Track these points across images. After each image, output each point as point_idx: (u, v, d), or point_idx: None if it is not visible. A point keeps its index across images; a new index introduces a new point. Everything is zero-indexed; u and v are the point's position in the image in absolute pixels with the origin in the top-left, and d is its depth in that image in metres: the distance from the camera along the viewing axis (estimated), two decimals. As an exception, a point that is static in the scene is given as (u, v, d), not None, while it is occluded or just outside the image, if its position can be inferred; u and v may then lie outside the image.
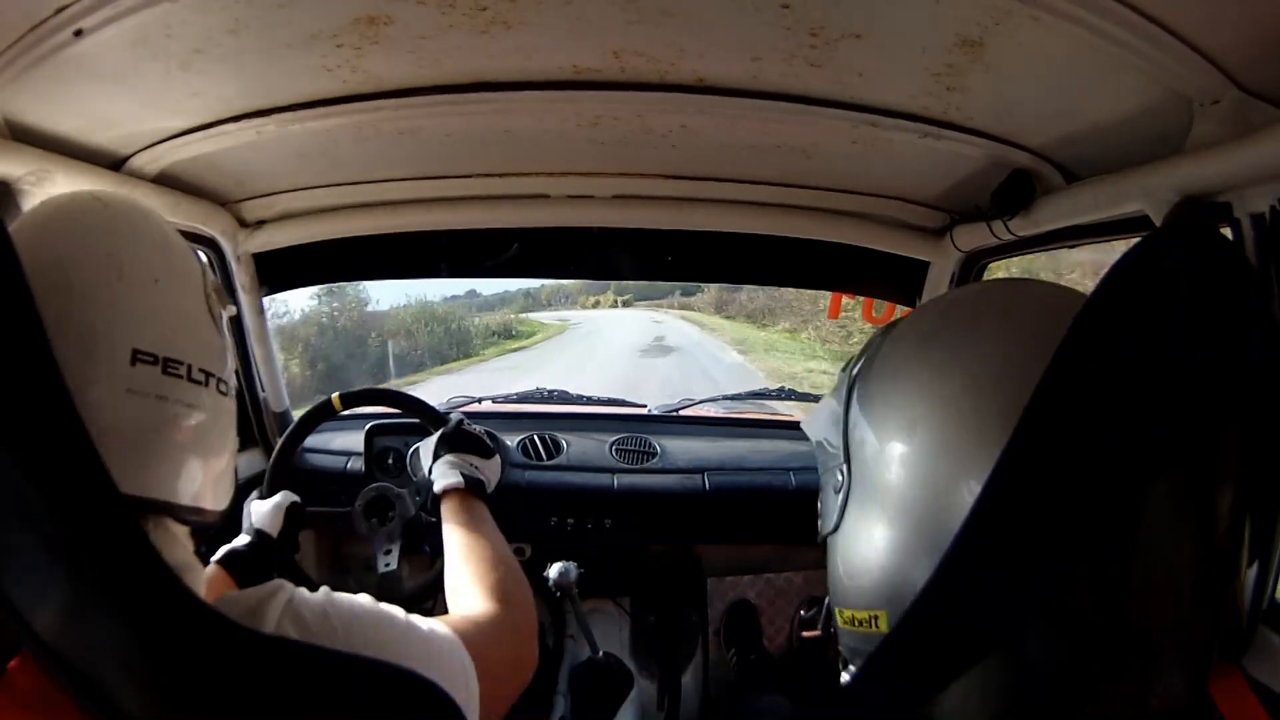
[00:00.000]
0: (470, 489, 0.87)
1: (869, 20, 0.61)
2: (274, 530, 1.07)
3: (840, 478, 0.52)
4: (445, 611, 0.63)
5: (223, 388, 0.54)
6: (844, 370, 0.57)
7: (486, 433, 1.02)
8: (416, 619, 0.54)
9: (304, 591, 0.50)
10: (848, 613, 0.52)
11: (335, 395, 1.23)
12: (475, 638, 0.57)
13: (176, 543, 0.51)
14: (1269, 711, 0.45)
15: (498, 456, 0.99)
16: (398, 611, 0.53)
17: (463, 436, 0.98)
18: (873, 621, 0.49)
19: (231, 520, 0.57)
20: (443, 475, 0.90)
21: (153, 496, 0.48)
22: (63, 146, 0.79)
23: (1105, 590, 0.42)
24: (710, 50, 0.70)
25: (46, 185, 0.75)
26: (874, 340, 0.56)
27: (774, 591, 1.50)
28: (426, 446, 1.00)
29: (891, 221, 1.22)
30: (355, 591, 0.52)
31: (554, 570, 1.23)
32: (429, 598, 1.18)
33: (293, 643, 0.45)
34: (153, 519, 0.49)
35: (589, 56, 0.72)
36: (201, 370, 0.51)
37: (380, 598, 0.61)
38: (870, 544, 0.49)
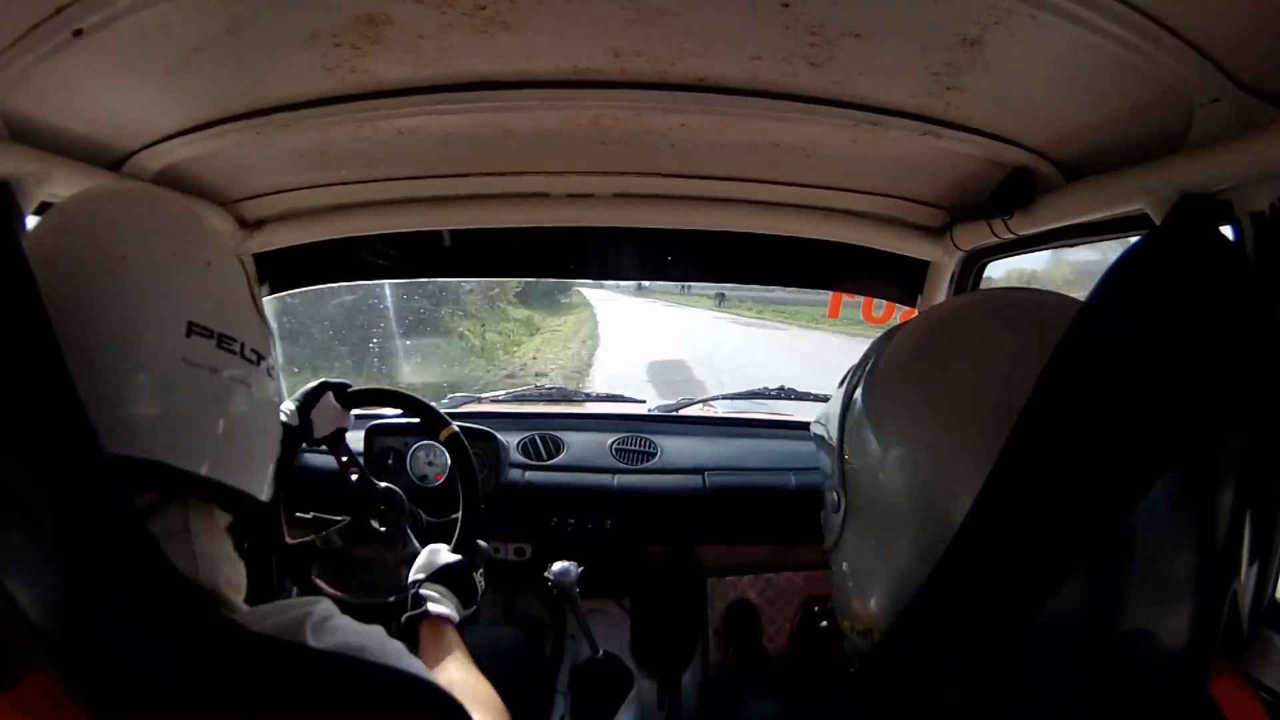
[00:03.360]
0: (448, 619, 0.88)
1: (868, 19, 0.61)
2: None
3: (837, 498, 0.53)
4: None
5: (272, 371, 0.55)
6: (839, 386, 0.57)
7: (481, 583, 1.01)
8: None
9: (343, 619, 0.50)
10: (846, 622, 0.53)
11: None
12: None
13: (216, 530, 0.51)
14: (1270, 712, 0.45)
15: (475, 608, 0.98)
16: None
17: (468, 583, 0.96)
18: (868, 635, 0.50)
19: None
20: (437, 600, 0.90)
21: (199, 472, 0.48)
22: (62, 146, 0.79)
23: (1105, 591, 0.42)
24: (710, 49, 0.70)
25: (46, 185, 0.75)
26: (866, 357, 0.55)
27: (774, 591, 1.50)
28: (435, 554, 0.99)
29: (891, 220, 1.22)
30: (347, 593, 0.52)
31: (554, 570, 1.23)
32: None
33: (305, 648, 0.45)
34: (195, 503, 0.49)
35: (588, 56, 0.72)
36: (253, 350, 0.52)
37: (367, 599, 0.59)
38: (867, 564, 0.50)
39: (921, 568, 0.44)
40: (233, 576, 0.51)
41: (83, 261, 0.46)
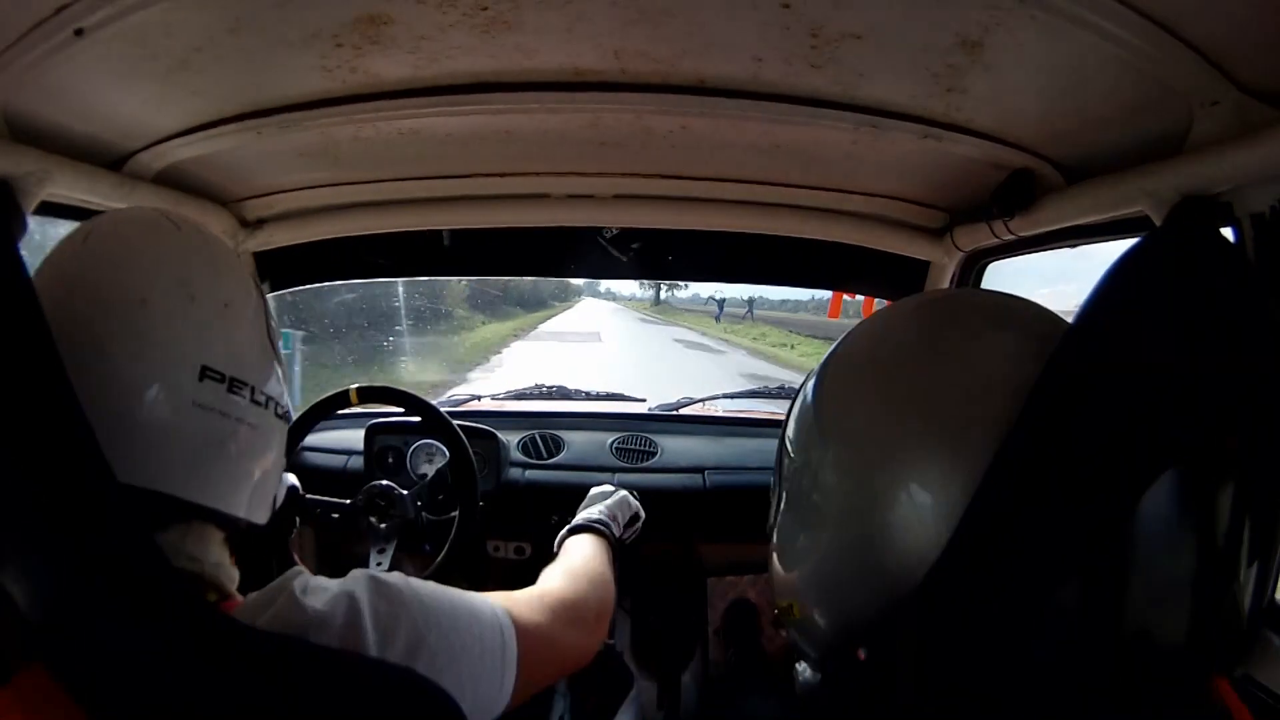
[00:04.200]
0: (608, 537, 0.93)
1: (869, 21, 0.61)
2: (276, 502, 1.10)
3: (772, 481, 0.58)
4: None
5: (279, 410, 0.56)
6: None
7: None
8: (455, 593, 0.54)
9: (316, 580, 0.50)
10: (777, 603, 0.57)
11: (353, 388, 1.23)
12: (523, 614, 0.58)
13: (211, 545, 0.52)
14: (1269, 714, 0.45)
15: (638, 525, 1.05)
16: (430, 588, 0.53)
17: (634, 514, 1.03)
18: (790, 610, 0.54)
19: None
20: (599, 517, 0.96)
21: (203, 503, 0.50)
22: (63, 146, 0.79)
23: (1104, 592, 0.42)
24: (711, 51, 0.70)
25: (47, 185, 0.75)
26: (848, 334, 0.56)
27: (774, 591, 1.50)
28: (600, 493, 1.05)
29: (892, 221, 1.22)
30: None
31: None
32: None
33: (288, 640, 0.45)
34: (195, 522, 0.50)
35: (589, 57, 0.72)
36: (263, 393, 0.53)
37: None
38: (792, 543, 0.53)
39: (843, 555, 0.48)
40: (224, 578, 0.52)
41: (100, 301, 0.47)
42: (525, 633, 0.56)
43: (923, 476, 0.44)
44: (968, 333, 0.49)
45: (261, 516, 0.56)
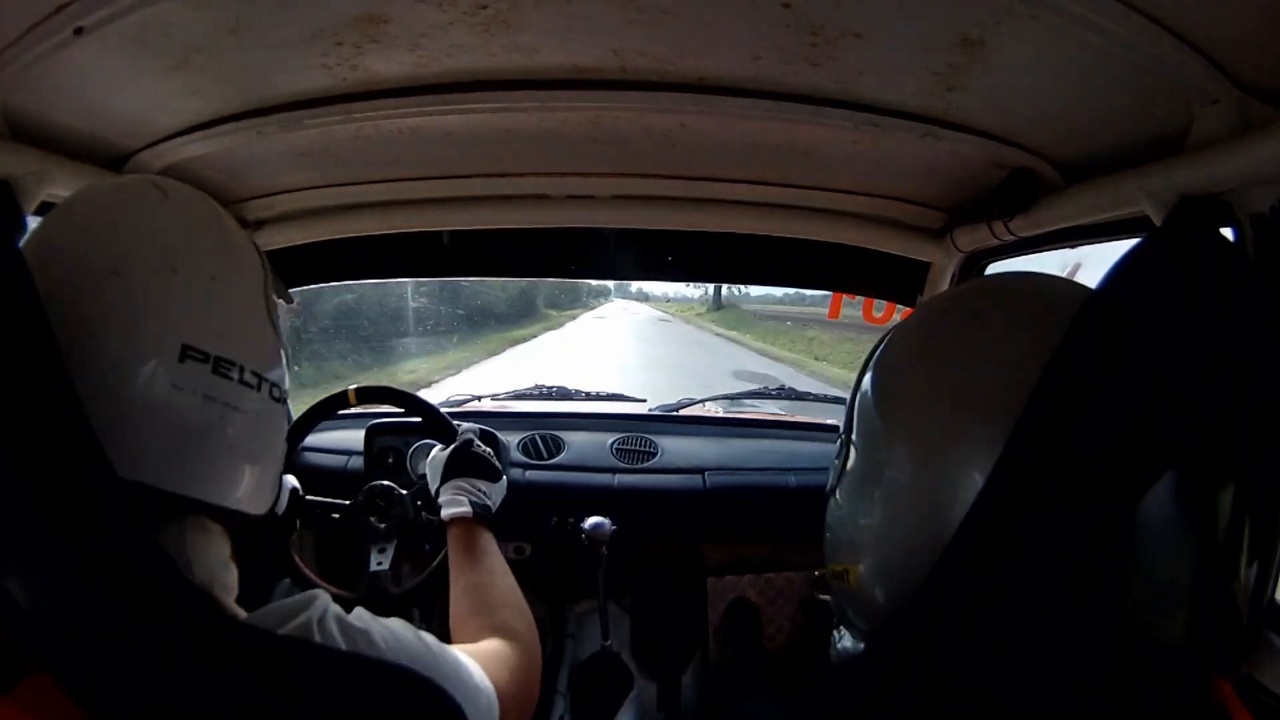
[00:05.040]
0: (477, 518, 0.89)
1: (869, 19, 0.61)
2: (278, 506, 1.10)
3: (840, 444, 0.58)
4: (434, 616, 0.63)
5: (275, 393, 0.52)
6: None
7: (489, 452, 1.01)
8: (451, 648, 0.54)
9: (340, 610, 0.49)
10: (829, 566, 0.58)
11: (351, 389, 1.23)
12: (493, 674, 0.57)
13: (212, 541, 0.50)
14: (1270, 713, 0.45)
15: (504, 478, 1.00)
16: (430, 637, 0.53)
17: (472, 459, 0.98)
18: (845, 575, 0.54)
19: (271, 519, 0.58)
20: (450, 502, 0.91)
21: (191, 495, 0.47)
22: (63, 145, 0.79)
23: (1105, 592, 0.42)
24: (710, 49, 0.70)
25: (46, 184, 0.75)
26: (878, 342, 0.58)
27: (774, 591, 1.50)
28: (434, 461, 1.01)
29: (891, 222, 1.22)
30: (349, 590, 0.52)
31: (588, 524, 1.28)
32: (417, 602, 1.17)
33: (300, 641, 0.45)
34: (190, 517, 0.48)
35: (589, 55, 0.72)
36: (254, 373, 0.49)
37: (367, 596, 0.61)
38: (853, 506, 0.54)
39: (899, 523, 0.49)
40: (225, 579, 0.50)
41: (78, 269, 0.44)
42: (505, 704, 0.56)
43: (969, 454, 0.46)
44: (986, 322, 0.51)
45: (259, 508, 0.52)
